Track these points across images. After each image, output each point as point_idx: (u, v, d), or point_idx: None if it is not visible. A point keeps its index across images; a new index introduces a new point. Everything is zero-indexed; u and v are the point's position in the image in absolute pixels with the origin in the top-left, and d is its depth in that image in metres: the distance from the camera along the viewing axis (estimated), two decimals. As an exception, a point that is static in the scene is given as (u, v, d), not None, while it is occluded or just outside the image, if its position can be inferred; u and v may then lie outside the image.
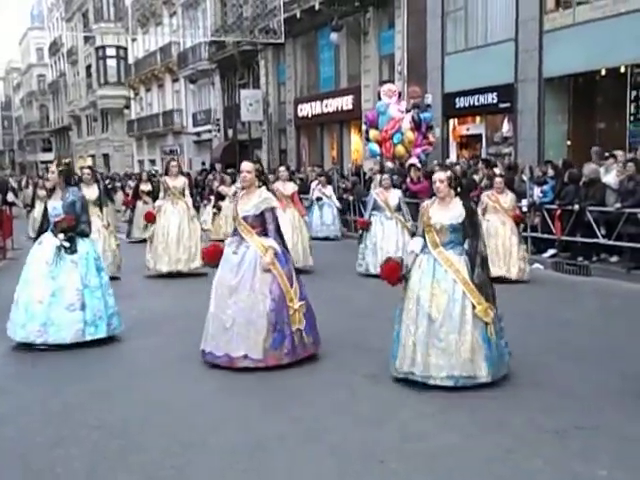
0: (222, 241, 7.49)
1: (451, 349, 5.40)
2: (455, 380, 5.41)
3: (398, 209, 11.27)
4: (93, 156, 51.89)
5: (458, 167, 15.35)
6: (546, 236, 12.48)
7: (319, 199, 17.10)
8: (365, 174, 18.70)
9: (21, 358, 6.58)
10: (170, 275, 11.22)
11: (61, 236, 6.92)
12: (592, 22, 14.82)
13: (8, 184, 21.02)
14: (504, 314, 5.76)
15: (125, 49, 46.29)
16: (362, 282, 10.77)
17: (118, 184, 28.80)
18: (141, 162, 44.42)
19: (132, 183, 23.39)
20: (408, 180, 15.21)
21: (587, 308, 8.92)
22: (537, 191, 12.82)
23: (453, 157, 19.07)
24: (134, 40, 43.70)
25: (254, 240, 6.19)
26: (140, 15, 40.98)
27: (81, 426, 4.93)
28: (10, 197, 17.00)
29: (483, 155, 17.66)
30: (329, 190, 17.36)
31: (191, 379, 5.96)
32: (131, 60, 45.06)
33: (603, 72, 15.16)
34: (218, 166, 27.94)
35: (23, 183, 31.54)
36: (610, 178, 11.82)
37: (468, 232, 5.61)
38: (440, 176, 5.67)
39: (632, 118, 14.50)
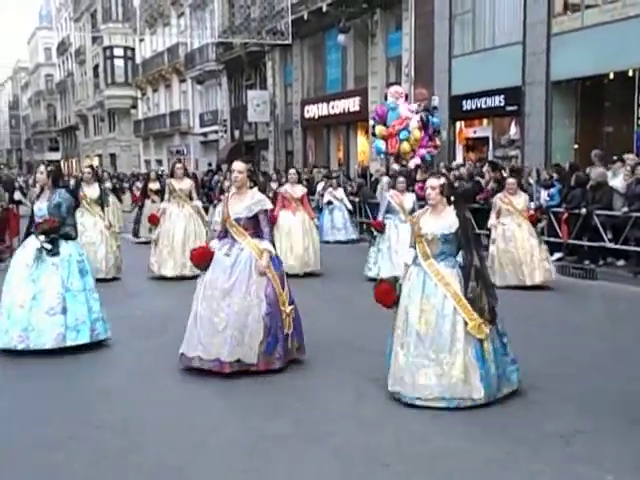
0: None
1: (441, 369, 5.08)
2: (447, 402, 5.07)
3: (412, 212, 11.20)
4: (100, 156, 52.09)
5: (464, 169, 15.37)
6: (552, 239, 12.40)
7: (329, 203, 16.89)
8: (372, 175, 18.67)
9: (21, 358, 6.55)
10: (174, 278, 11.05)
11: (42, 237, 6.70)
12: (600, 25, 14.78)
13: (15, 183, 21.03)
14: (505, 318, 5.49)
15: (133, 49, 46.40)
16: (369, 286, 10.52)
17: (126, 184, 28.80)
18: (148, 162, 44.50)
19: (139, 184, 23.35)
20: (417, 187, 15.06)
21: (593, 312, 8.88)
22: (544, 194, 12.78)
23: (460, 159, 19.01)
24: (142, 40, 43.80)
25: (248, 242, 5.99)
26: (148, 16, 41.08)
27: (81, 426, 4.91)
28: (17, 196, 16.96)
29: (490, 158, 17.61)
30: (340, 192, 17.15)
31: (192, 379, 5.91)
32: (138, 60, 45.16)
33: (611, 76, 15.08)
34: (224, 167, 27.93)
35: (30, 182, 31.58)
36: (617, 182, 11.79)
37: (462, 243, 5.29)
38: (432, 183, 5.36)
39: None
